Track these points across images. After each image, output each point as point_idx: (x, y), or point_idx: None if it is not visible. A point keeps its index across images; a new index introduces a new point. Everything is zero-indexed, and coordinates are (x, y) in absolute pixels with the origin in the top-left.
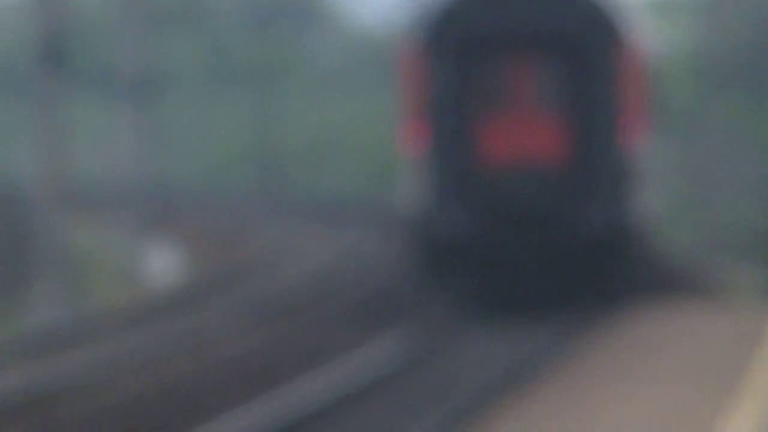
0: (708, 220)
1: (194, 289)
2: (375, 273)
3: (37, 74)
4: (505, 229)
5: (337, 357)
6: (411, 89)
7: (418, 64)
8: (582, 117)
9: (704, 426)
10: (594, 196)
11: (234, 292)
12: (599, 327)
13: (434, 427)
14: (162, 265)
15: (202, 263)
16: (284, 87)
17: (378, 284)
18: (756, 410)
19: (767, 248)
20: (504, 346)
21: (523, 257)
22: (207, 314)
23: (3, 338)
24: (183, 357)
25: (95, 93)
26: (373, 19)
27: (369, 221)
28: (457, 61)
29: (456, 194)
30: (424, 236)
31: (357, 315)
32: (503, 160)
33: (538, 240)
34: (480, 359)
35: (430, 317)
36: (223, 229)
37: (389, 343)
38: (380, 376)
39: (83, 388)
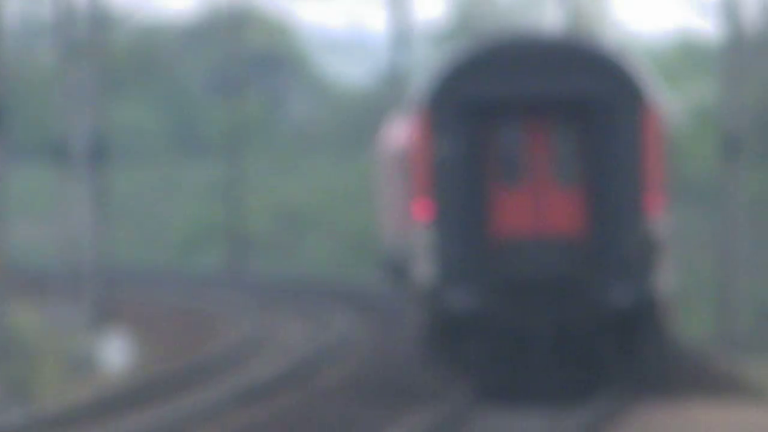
0: (730, 300)
1: (154, 383)
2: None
3: None
4: (519, 304)
5: None
6: (416, 159)
7: (421, 133)
8: (604, 186)
9: None
10: (617, 269)
11: (199, 390)
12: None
13: None
14: (118, 355)
15: (160, 353)
16: (257, 153)
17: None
18: None
19: None
20: None
21: (539, 333)
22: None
23: None
24: None
25: (40, 160)
26: (359, 79)
27: (349, 302)
28: (463, 129)
29: (466, 268)
30: (434, 311)
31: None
32: (518, 232)
33: (555, 315)
34: None
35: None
36: (186, 314)
37: None
38: None
39: None
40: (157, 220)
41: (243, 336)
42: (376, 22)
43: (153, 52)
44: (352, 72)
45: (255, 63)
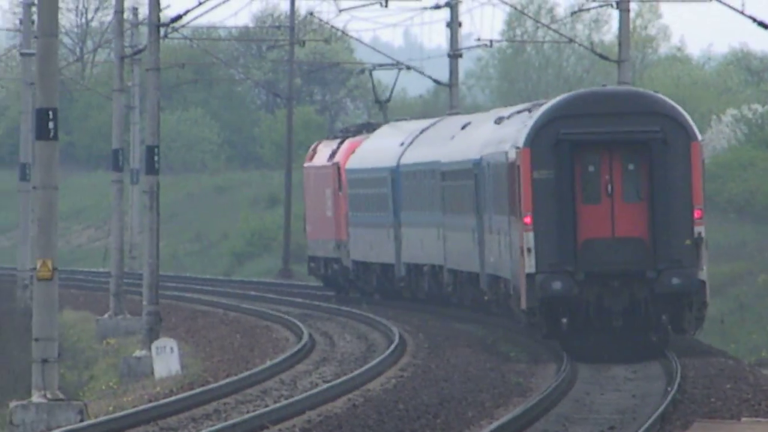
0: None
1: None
2: None
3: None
4: (600, 289)
5: None
6: (522, 183)
7: (525, 164)
8: (662, 201)
9: None
10: (673, 262)
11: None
12: None
13: None
14: (171, 363)
15: (212, 360)
16: None
17: None
18: None
19: None
20: None
21: (614, 311)
22: None
23: None
24: None
25: (99, 168)
26: (413, 90)
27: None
28: (556, 161)
29: (560, 262)
30: (536, 295)
31: None
32: (598, 236)
33: (627, 297)
34: None
35: None
36: (238, 322)
37: None
38: None
39: None
40: (210, 228)
41: (295, 343)
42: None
43: (208, 59)
44: (406, 82)
45: (310, 72)
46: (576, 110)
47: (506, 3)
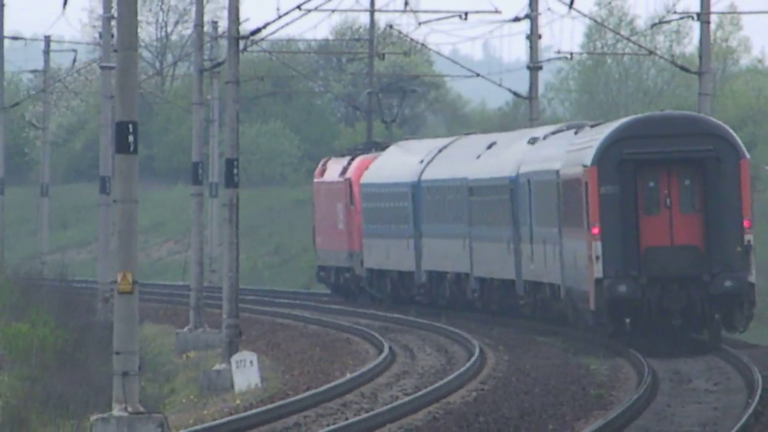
0: None
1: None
2: None
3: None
4: (660, 291)
5: None
6: (590, 197)
7: (593, 180)
8: (715, 213)
9: None
10: (725, 267)
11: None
12: None
13: None
14: (251, 376)
15: (293, 374)
16: None
17: None
18: None
19: None
20: None
21: (673, 311)
22: None
23: None
24: None
25: (179, 181)
26: (493, 102)
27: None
28: (620, 177)
29: (625, 268)
30: (603, 297)
31: None
32: (658, 244)
33: (684, 298)
34: None
35: None
36: (317, 335)
37: None
38: None
39: None
40: (290, 241)
41: (375, 356)
42: (510, 47)
43: (287, 72)
44: (485, 95)
45: (390, 84)
46: (637, 132)
47: (586, 15)
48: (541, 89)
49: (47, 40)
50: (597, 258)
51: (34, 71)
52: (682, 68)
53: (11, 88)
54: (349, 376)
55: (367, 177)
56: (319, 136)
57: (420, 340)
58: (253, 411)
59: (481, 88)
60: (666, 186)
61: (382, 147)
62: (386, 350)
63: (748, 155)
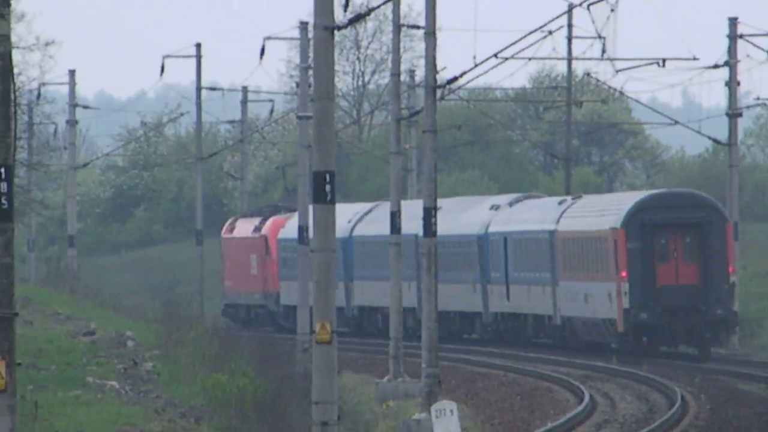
0: None
1: None
2: None
3: None
4: (670, 317)
5: None
6: (619, 251)
7: (622, 238)
8: (708, 261)
9: None
10: (716, 299)
11: None
12: None
13: None
14: (451, 426)
15: (493, 425)
16: None
17: None
18: None
19: None
20: None
21: (680, 331)
22: None
23: None
24: None
25: None
26: (692, 149)
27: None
28: (641, 236)
29: (646, 301)
30: (629, 323)
31: None
32: (668, 284)
33: (688, 322)
34: None
35: None
36: (516, 383)
37: None
38: None
39: None
40: None
41: (576, 405)
42: (709, 93)
43: (484, 120)
44: (684, 142)
45: (588, 133)
46: (653, 204)
47: None
48: (740, 135)
49: (244, 90)
50: (625, 293)
51: (231, 122)
52: None
53: (209, 139)
54: (549, 425)
55: (284, 233)
56: (517, 185)
57: (620, 389)
58: None
59: (680, 135)
60: (673, 242)
61: (287, 209)
62: (586, 398)
63: (731, 220)
